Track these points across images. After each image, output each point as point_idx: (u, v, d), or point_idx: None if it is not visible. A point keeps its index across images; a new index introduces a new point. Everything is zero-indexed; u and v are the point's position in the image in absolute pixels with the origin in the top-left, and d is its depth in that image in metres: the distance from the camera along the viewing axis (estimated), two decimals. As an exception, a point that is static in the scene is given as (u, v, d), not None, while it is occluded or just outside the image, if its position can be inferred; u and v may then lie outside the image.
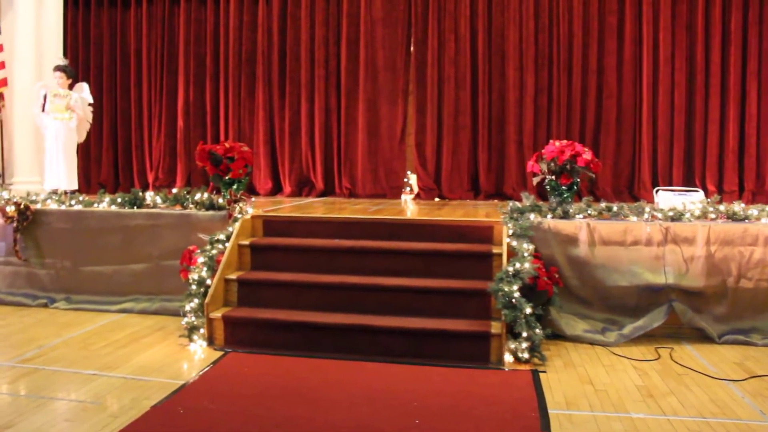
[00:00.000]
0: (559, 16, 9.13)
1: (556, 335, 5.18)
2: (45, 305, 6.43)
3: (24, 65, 9.58)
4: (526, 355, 4.63)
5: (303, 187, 9.74)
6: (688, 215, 5.50)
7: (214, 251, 5.49)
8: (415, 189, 9.35)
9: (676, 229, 5.33)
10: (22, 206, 6.52)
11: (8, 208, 6.52)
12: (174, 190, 6.54)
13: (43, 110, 8.05)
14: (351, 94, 9.61)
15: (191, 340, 5.11)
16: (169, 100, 10.40)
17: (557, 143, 5.90)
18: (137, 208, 6.40)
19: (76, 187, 8.07)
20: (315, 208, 7.46)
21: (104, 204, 6.55)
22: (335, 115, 9.70)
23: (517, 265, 4.86)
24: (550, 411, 3.83)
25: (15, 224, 6.51)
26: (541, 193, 6.78)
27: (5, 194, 7.00)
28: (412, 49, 9.51)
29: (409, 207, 7.93)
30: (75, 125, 8.00)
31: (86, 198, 6.79)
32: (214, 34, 10.25)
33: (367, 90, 9.52)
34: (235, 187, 6.20)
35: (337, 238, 5.77)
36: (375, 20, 9.55)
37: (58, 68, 8.15)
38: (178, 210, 6.25)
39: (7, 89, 9.72)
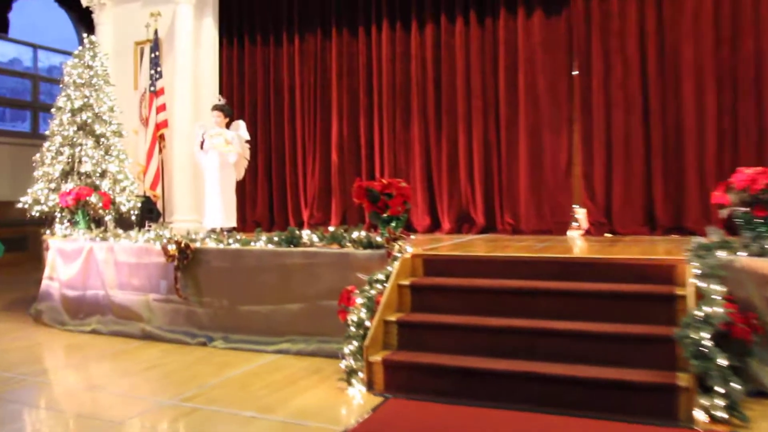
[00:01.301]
0: (744, 25, 8.46)
1: (760, 392, 4.75)
2: (203, 343, 6.76)
3: (183, 106, 10.33)
4: (722, 414, 4.27)
5: (462, 224, 9.72)
6: None
7: (373, 291, 5.55)
8: (584, 224, 9.07)
9: None
10: (182, 245, 6.93)
11: (170, 246, 6.96)
12: (330, 228, 6.71)
13: (201, 148, 8.59)
14: (511, 125, 9.52)
15: (350, 383, 5.16)
16: (323, 136, 10.75)
17: (748, 170, 5.52)
18: (294, 246, 6.61)
19: (234, 224, 8.51)
20: (477, 245, 7.42)
21: (261, 242, 6.81)
22: (495, 146, 9.64)
23: (707, 308, 4.54)
24: (756, 480, 3.52)
25: (176, 263, 6.93)
26: (729, 227, 6.34)
27: (167, 233, 7.47)
28: (575, 74, 9.32)
29: (579, 244, 7.71)
30: (234, 161, 8.47)
31: (243, 236, 7.11)
32: (366, 67, 10.52)
33: (528, 119, 9.39)
34: (393, 224, 6.26)
35: (502, 278, 5.67)
36: (534, 46, 9.43)
37: (216, 107, 8.68)
38: (335, 249, 6.39)
39: (168, 130, 10.47)
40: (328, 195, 10.66)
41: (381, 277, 5.69)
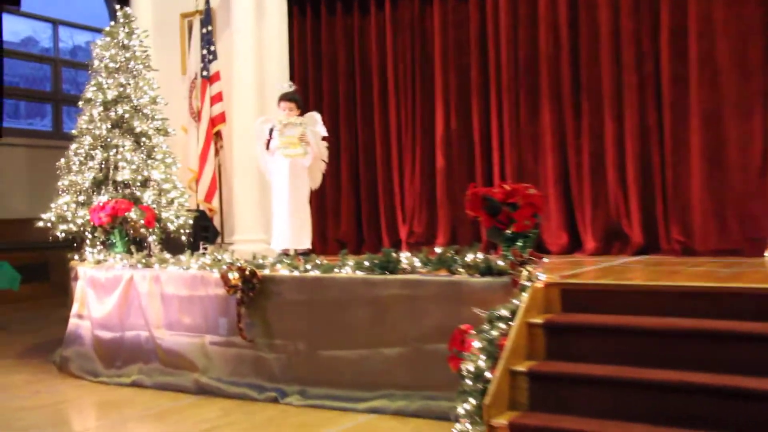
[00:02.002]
0: None
1: None
2: (274, 399, 6.86)
3: (244, 95, 10.49)
4: None
5: (612, 242, 9.60)
6: None
7: (494, 332, 5.49)
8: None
9: None
10: (247, 272, 7.04)
11: (231, 275, 7.07)
12: (437, 250, 6.69)
13: (267, 149, 8.67)
14: (678, 107, 9.30)
15: (466, 455, 5.14)
16: (425, 130, 10.82)
17: None
18: (390, 273, 6.64)
19: (308, 246, 8.58)
20: (633, 271, 7.33)
21: (347, 269, 6.88)
22: (655, 137, 9.45)
23: None
24: None
25: (239, 295, 7.05)
26: None
27: (227, 257, 7.60)
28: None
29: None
30: (309, 164, 8.54)
31: (324, 261, 7.18)
32: (479, 39, 10.53)
33: (703, 99, 9.14)
34: (520, 244, 6.21)
35: (671, 317, 5.53)
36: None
37: (284, 97, 8.71)
38: (443, 276, 6.40)
39: (225, 126, 10.67)
40: (432, 206, 10.72)
41: (505, 313, 5.64)
